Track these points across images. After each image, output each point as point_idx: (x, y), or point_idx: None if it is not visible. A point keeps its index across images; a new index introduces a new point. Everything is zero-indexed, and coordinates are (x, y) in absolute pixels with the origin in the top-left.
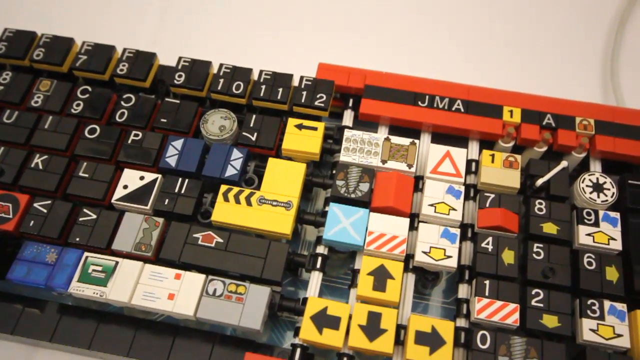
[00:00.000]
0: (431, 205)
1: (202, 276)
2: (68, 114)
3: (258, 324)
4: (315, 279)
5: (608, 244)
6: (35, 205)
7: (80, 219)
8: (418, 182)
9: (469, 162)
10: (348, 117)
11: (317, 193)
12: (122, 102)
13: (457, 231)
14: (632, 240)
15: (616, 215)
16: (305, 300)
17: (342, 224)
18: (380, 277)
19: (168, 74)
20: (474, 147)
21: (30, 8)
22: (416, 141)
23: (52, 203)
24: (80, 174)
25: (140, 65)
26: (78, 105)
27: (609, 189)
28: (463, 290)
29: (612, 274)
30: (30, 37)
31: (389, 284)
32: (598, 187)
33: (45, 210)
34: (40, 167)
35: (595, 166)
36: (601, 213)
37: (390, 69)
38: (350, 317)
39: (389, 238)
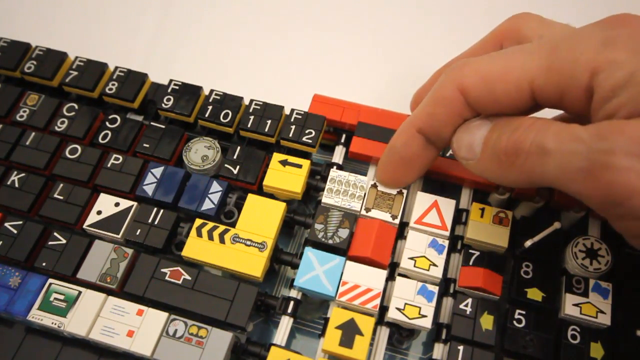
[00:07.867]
0: (411, 258)
1: (165, 315)
2: (52, 131)
3: None
4: (285, 324)
5: (596, 317)
6: (6, 225)
7: (49, 243)
8: (403, 228)
9: (459, 212)
10: (339, 154)
11: (299, 230)
12: (107, 123)
13: (436, 289)
14: (622, 314)
15: (608, 286)
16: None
17: (316, 271)
18: (349, 332)
19: (160, 94)
20: (467, 195)
21: (27, 18)
22: (404, 191)
23: (23, 224)
24: (56, 195)
25: (130, 85)
26: (62, 122)
27: (603, 256)
28: (439, 351)
29: (597, 350)
30: (23, 48)
31: (357, 340)
32: (592, 253)
33: (15, 231)
34: (17, 185)
35: (594, 229)
36: (592, 282)
37: (386, 105)
38: None
39: (363, 290)
